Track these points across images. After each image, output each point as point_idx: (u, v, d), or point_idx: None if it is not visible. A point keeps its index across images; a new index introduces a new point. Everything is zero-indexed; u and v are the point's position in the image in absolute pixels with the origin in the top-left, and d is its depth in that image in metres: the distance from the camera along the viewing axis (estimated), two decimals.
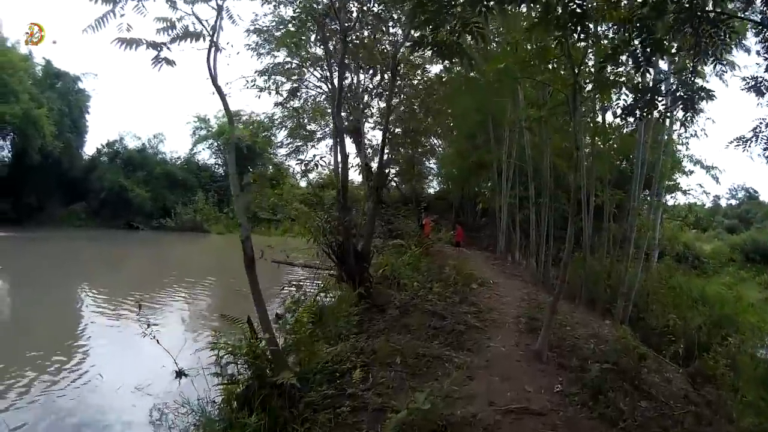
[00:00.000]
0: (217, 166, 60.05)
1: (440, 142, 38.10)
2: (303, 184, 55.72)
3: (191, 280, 22.34)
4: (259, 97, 16.65)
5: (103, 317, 14.93)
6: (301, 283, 13.97)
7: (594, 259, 18.48)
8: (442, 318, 9.96)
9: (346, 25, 11.49)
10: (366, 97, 27.12)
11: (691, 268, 33.21)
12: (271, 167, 51.27)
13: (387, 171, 12.22)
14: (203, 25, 6.43)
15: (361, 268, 11.21)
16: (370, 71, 18.37)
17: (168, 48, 6.28)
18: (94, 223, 48.92)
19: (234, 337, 7.08)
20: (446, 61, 13.62)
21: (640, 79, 9.12)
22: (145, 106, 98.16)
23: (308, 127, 27.78)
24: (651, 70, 10.51)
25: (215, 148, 59.12)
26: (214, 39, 6.55)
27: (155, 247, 40.71)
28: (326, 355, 7.54)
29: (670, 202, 31.90)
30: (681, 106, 7.20)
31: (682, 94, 7.17)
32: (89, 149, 56.02)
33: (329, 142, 25.05)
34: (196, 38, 6.33)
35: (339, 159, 10.90)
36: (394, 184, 40.96)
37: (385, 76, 23.22)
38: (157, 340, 8.00)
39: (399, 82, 25.62)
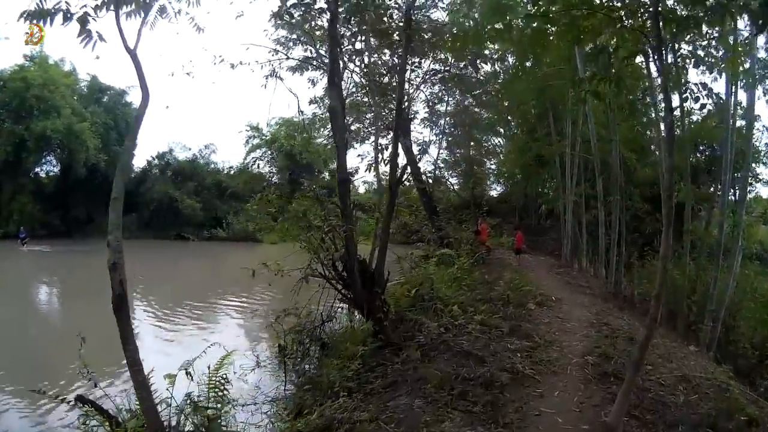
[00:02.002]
0: (271, 174, 59.19)
1: (500, 141, 36.12)
2: (361, 190, 55.37)
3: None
4: (233, 67, 14.58)
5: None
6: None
7: (675, 267, 15.64)
8: (479, 361, 7.41)
9: None
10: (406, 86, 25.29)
11: None
12: (327, 174, 50.84)
13: (404, 165, 9.57)
14: None
15: (370, 294, 8.80)
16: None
17: (95, 18, 5.05)
18: (145, 234, 48.91)
19: None
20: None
21: None
22: (197, 117, 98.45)
23: (352, 127, 25.59)
24: None
25: (269, 157, 58.23)
26: None
27: (207, 258, 40.11)
28: None
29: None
30: None
31: None
32: (140, 161, 56.12)
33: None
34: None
35: (336, 143, 8.49)
36: (451, 188, 38.94)
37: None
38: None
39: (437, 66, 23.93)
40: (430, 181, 27.46)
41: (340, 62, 11.85)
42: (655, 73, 16.71)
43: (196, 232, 50.50)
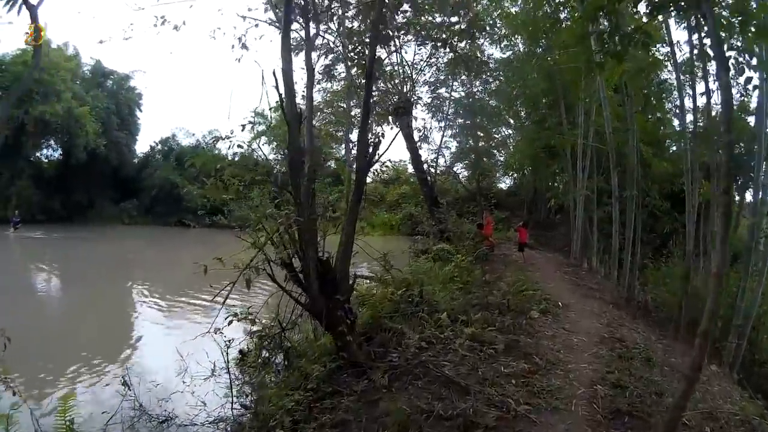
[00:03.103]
0: (275, 162, 57.72)
1: (510, 132, 34.87)
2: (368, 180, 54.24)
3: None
4: (177, 29, 13.23)
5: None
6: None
7: (697, 274, 14.12)
8: (462, 392, 5.91)
9: None
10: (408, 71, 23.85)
11: None
12: (332, 163, 50.10)
13: (374, 148, 7.71)
14: None
15: (330, 302, 7.09)
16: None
17: None
18: (145, 220, 49.12)
19: None
20: None
21: None
22: (202, 102, 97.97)
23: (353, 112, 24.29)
24: None
25: (272, 143, 57.03)
26: None
27: (208, 245, 39.17)
28: None
29: None
30: None
31: None
32: (143, 146, 56.33)
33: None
34: None
35: (287, 117, 6.82)
36: (458, 179, 37.68)
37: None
38: None
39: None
40: (432, 170, 25.95)
41: (313, 25, 10.41)
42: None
43: (197, 219, 48.29)
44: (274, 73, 6.58)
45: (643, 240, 17.01)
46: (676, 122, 25.50)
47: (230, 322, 7.46)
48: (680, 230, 20.54)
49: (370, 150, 7.56)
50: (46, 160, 49.30)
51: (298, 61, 12.76)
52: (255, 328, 8.72)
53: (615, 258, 16.91)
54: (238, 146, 7.86)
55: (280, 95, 6.45)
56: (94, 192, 48.40)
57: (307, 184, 6.94)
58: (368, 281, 11.59)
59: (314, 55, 18.95)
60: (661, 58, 18.00)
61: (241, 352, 9.20)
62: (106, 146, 46.59)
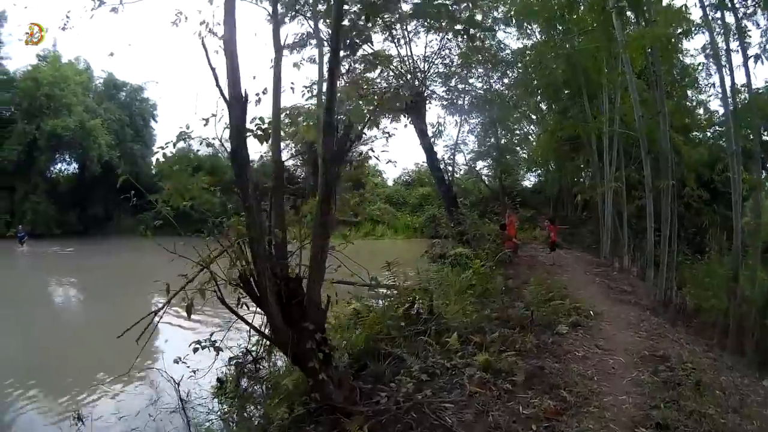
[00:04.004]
0: (295, 167, 57.28)
1: (533, 128, 33.63)
2: (390, 182, 52.99)
3: None
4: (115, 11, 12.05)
5: None
6: None
7: (744, 274, 12.68)
8: None
9: None
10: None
11: None
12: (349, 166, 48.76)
13: (348, 133, 6.10)
14: None
15: (298, 333, 5.62)
16: None
17: None
18: (163, 231, 47.34)
19: None
20: None
21: None
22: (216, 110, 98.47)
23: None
24: None
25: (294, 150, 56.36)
26: None
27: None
28: None
29: None
30: None
31: None
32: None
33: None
34: None
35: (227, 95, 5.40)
36: (481, 178, 36.51)
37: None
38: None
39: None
40: (449, 168, 24.61)
41: None
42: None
43: (215, 228, 47.67)
44: (203, 42, 5.18)
45: (680, 235, 15.56)
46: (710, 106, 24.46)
47: (195, 350, 6.27)
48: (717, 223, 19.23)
49: (338, 136, 6.10)
50: (60, 175, 48.87)
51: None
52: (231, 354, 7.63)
53: (650, 256, 15.40)
54: (208, 145, 6.50)
55: (212, 69, 5.08)
56: (110, 204, 47.79)
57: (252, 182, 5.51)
58: (357, 300, 9.98)
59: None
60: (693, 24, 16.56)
61: (219, 380, 8.04)
62: (120, 158, 45.81)
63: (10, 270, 25.86)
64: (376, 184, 52.82)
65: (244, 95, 5.18)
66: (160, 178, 6.23)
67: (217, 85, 5.09)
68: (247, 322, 5.90)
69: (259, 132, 5.79)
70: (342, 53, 8.61)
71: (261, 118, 5.83)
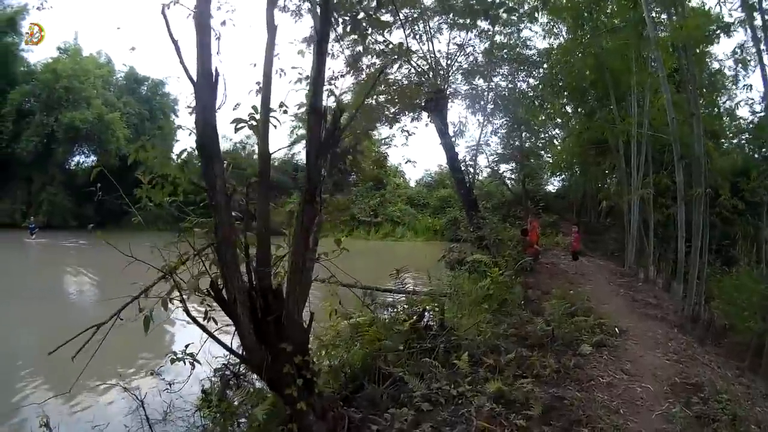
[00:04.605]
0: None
1: (558, 132, 32.92)
2: (412, 183, 52.34)
3: None
4: None
5: None
6: None
7: None
8: None
9: None
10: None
11: None
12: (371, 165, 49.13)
13: (338, 121, 5.10)
14: None
15: (275, 351, 4.94)
16: None
17: None
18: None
19: None
20: None
21: None
22: (241, 106, 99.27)
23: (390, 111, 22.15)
24: None
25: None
26: None
27: None
28: None
29: None
30: None
31: None
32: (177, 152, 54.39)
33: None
34: None
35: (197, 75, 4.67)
36: (504, 181, 35.83)
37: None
38: None
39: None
40: (471, 169, 23.73)
41: None
42: None
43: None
44: (163, 11, 4.43)
45: (711, 248, 14.73)
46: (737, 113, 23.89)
47: (172, 362, 5.62)
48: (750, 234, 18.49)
49: (327, 125, 5.27)
50: (78, 167, 48.58)
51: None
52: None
53: (681, 269, 14.50)
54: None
55: (174, 42, 4.36)
56: (128, 198, 47.02)
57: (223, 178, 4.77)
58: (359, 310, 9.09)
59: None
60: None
61: (203, 391, 7.21)
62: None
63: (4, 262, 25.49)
64: (398, 185, 52.33)
65: (214, 74, 4.49)
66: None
67: (181, 62, 4.42)
68: (215, 338, 5.17)
69: (253, 122, 5.17)
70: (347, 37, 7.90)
71: (254, 107, 5.18)
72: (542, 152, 35.31)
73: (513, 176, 36.83)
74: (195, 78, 4.44)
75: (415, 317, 8.23)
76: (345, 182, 51.51)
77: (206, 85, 4.45)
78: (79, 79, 43.45)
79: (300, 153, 55.17)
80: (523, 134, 30.59)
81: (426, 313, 8.42)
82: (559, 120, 32.51)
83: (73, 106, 42.71)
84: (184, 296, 4.84)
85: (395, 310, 9.00)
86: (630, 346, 8.61)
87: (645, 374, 7.24)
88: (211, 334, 5.12)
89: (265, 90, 5.16)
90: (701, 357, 8.99)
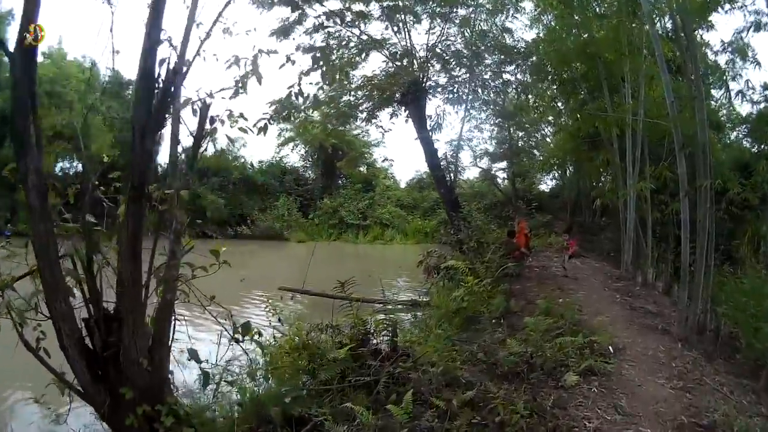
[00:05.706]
0: (304, 168, 55.65)
1: (549, 129, 31.97)
2: (403, 184, 51.40)
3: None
4: None
5: None
6: None
7: None
8: None
9: None
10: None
11: None
12: (364, 168, 48.28)
13: (172, 85, 3.64)
14: None
15: (115, 396, 3.56)
16: None
17: None
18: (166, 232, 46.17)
19: None
20: None
21: None
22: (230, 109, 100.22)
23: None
24: None
25: (304, 151, 54.71)
26: None
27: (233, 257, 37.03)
28: None
29: None
30: None
31: None
32: (164, 156, 53.29)
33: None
34: None
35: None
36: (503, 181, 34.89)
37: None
38: None
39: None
40: (451, 166, 22.34)
41: None
42: None
43: (219, 230, 46.37)
44: None
45: (718, 248, 13.20)
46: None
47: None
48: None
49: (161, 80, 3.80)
50: (60, 172, 47.05)
51: None
52: None
53: (684, 271, 12.78)
54: None
55: None
56: (111, 203, 46.16)
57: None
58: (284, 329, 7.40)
59: None
60: None
61: None
62: (121, 156, 44.29)
63: None
64: (387, 186, 51.31)
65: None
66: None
67: None
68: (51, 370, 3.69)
69: None
70: None
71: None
72: (534, 151, 34.24)
73: (504, 175, 35.89)
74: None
75: (360, 340, 6.64)
76: (333, 185, 50.55)
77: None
78: (61, 84, 42.98)
79: (288, 156, 54.08)
80: (512, 131, 29.35)
81: (371, 336, 6.78)
82: (550, 117, 31.71)
83: (55, 111, 41.49)
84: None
85: (336, 331, 7.27)
86: (626, 371, 7.09)
87: (644, 411, 5.72)
88: (42, 361, 3.91)
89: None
90: (710, 380, 7.46)
